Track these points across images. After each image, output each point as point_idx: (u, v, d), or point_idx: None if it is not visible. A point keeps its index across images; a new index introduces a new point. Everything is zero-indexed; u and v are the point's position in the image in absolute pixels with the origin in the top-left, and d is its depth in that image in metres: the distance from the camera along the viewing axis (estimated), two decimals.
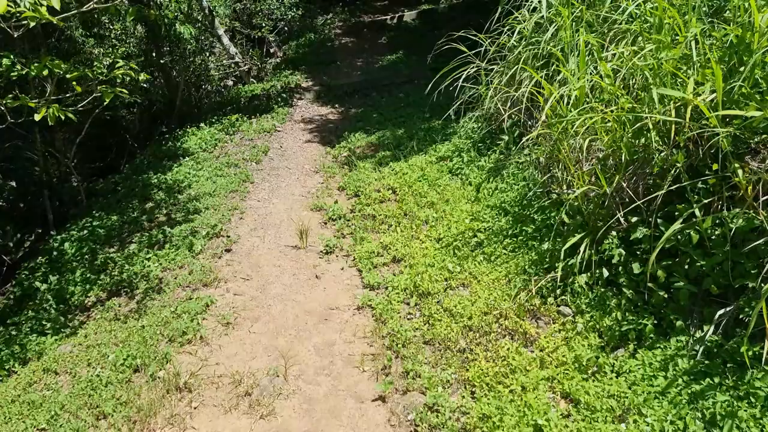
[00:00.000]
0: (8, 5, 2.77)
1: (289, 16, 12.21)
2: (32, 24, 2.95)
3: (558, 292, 3.62)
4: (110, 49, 10.05)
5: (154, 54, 8.76)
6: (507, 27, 6.12)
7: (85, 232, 5.73)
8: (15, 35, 3.23)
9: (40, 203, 6.61)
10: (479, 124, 6.79)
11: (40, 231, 6.73)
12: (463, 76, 6.13)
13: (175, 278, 4.70)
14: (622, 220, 3.47)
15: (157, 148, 8.29)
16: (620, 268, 3.39)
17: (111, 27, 9.32)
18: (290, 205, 6.14)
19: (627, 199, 3.51)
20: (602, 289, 3.40)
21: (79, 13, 3.15)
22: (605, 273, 3.45)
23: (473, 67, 6.15)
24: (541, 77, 4.94)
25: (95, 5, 2.99)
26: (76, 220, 6.27)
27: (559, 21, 5.12)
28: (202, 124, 8.89)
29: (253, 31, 11.73)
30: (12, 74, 3.70)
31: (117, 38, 9.56)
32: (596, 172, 3.67)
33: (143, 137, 9.35)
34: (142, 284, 4.65)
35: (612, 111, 3.56)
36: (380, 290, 4.43)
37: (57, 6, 2.82)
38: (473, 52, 6.19)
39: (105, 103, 6.99)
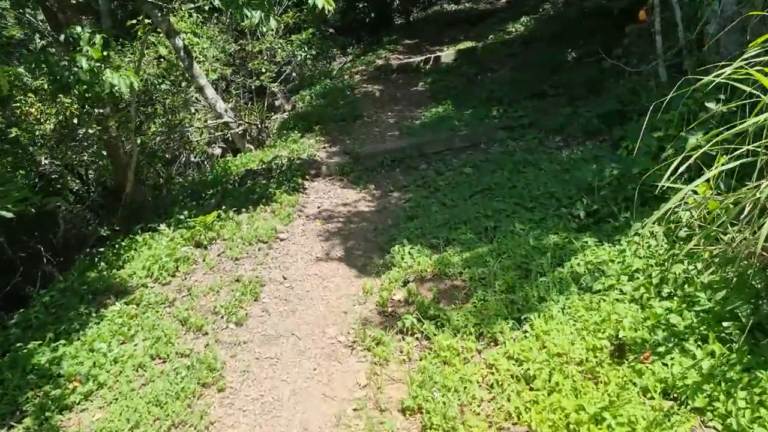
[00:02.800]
0: None
1: (299, 58, 9.03)
2: None
3: None
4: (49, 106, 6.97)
5: (87, 119, 5.53)
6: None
7: None
8: None
9: None
10: (715, 268, 3.17)
11: None
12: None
13: None
14: None
15: (76, 276, 4.94)
16: None
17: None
18: None
19: None
20: None
21: None
22: None
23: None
24: None
25: None
26: None
27: None
28: (162, 226, 5.57)
29: (249, 80, 8.56)
30: None
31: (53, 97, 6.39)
32: None
33: (74, 245, 6.03)
34: None
35: None
36: None
37: None
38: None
39: None
